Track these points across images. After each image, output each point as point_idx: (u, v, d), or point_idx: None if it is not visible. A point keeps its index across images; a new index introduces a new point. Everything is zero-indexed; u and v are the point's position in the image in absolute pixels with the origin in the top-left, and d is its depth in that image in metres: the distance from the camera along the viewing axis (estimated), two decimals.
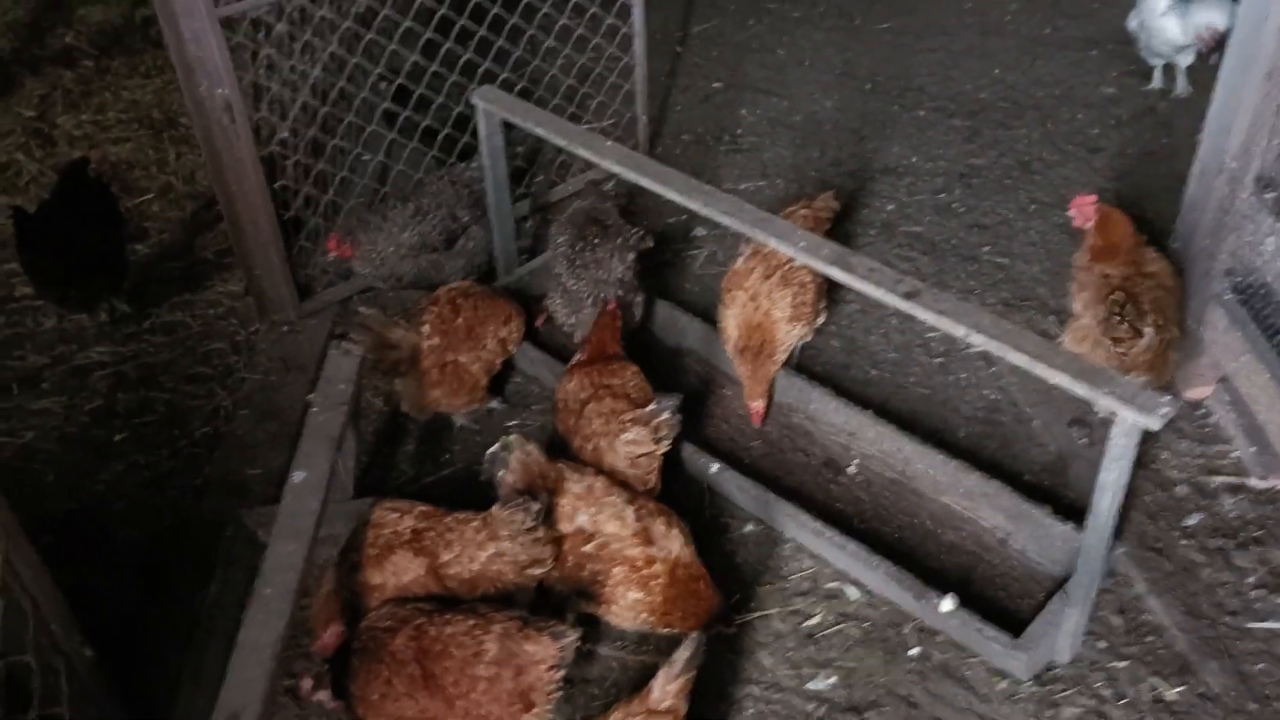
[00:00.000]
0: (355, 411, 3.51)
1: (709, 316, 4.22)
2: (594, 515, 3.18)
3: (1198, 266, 3.96)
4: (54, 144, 5.69)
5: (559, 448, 3.65)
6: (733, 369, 4.00)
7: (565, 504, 3.20)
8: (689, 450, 3.73)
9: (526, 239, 4.91)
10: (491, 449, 3.28)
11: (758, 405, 3.89)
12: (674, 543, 3.19)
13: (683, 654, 2.73)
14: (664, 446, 3.45)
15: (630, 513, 3.18)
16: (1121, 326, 3.54)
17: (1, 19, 6.79)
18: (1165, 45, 5.35)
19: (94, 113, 5.91)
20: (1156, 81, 5.60)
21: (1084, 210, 3.83)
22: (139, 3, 6.72)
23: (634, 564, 3.14)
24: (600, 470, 3.44)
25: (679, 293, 4.62)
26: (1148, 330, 3.54)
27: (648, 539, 3.16)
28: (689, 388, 4.11)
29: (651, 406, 3.46)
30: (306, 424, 3.23)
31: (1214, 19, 5.12)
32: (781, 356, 3.90)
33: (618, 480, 3.37)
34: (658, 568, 3.14)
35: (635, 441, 3.41)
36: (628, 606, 3.17)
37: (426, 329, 3.86)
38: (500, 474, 3.22)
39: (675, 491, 3.61)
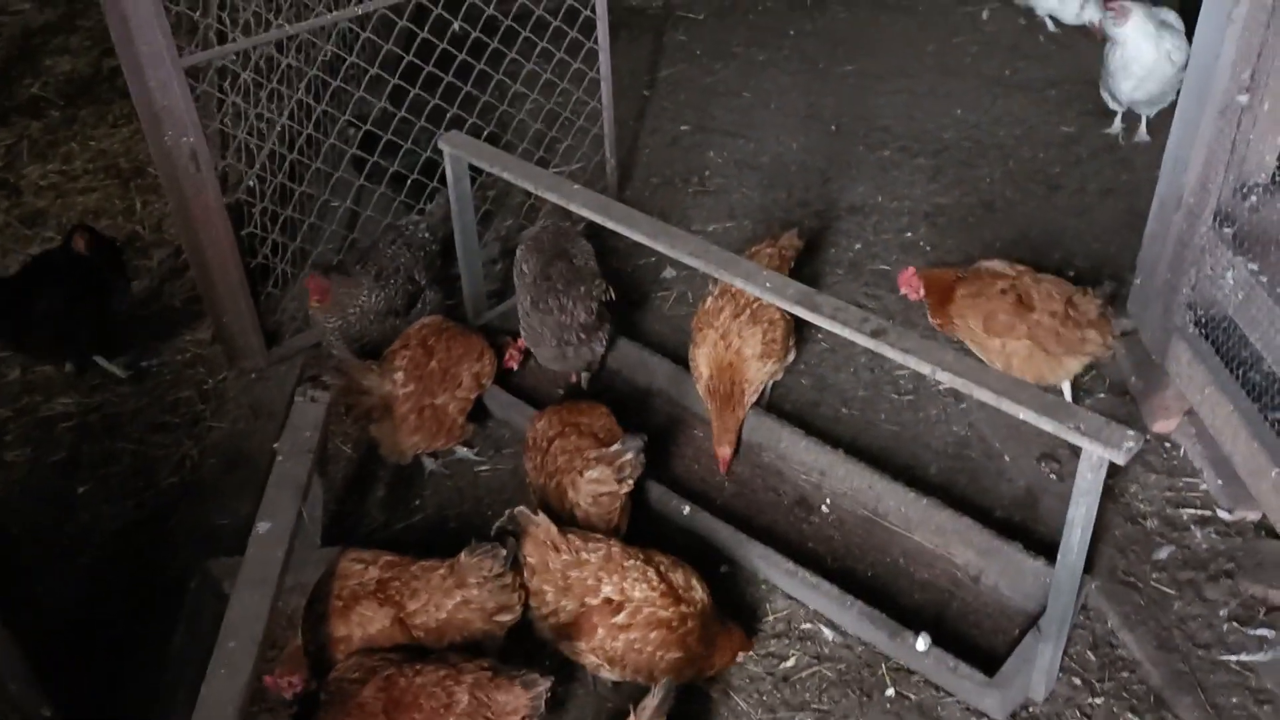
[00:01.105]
0: (322, 459, 3.48)
1: (679, 357, 4.22)
2: (619, 583, 3.08)
3: (1159, 301, 4.02)
4: (20, 194, 5.65)
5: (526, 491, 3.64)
6: (703, 409, 4.00)
7: (587, 575, 3.08)
8: (659, 491, 3.71)
9: (495, 282, 4.91)
10: (498, 523, 3.20)
11: (724, 452, 3.88)
12: (697, 590, 3.13)
13: (651, 701, 2.70)
14: (626, 486, 3.44)
15: (653, 572, 3.09)
16: (1108, 310, 3.88)
17: None
18: (1111, 77, 5.45)
19: (61, 162, 5.89)
20: (1116, 126, 5.68)
21: (911, 283, 4.07)
22: (106, 53, 6.71)
23: (670, 625, 3.05)
24: (562, 507, 3.43)
25: (649, 334, 4.63)
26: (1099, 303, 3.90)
27: (676, 596, 3.08)
28: (659, 428, 4.11)
29: (616, 446, 3.45)
30: (272, 472, 3.19)
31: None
32: (750, 399, 3.90)
33: (589, 523, 3.36)
34: (691, 623, 3.09)
35: (598, 480, 3.39)
36: (669, 668, 3.07)
37: (400, 376, 3.83)
38: (509, 545, 3.13)
39: (646, 534, 3.59)
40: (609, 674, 3.14)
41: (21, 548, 3.82)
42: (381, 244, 4.40)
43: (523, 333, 4.15)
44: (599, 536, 3.19)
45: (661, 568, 3.11)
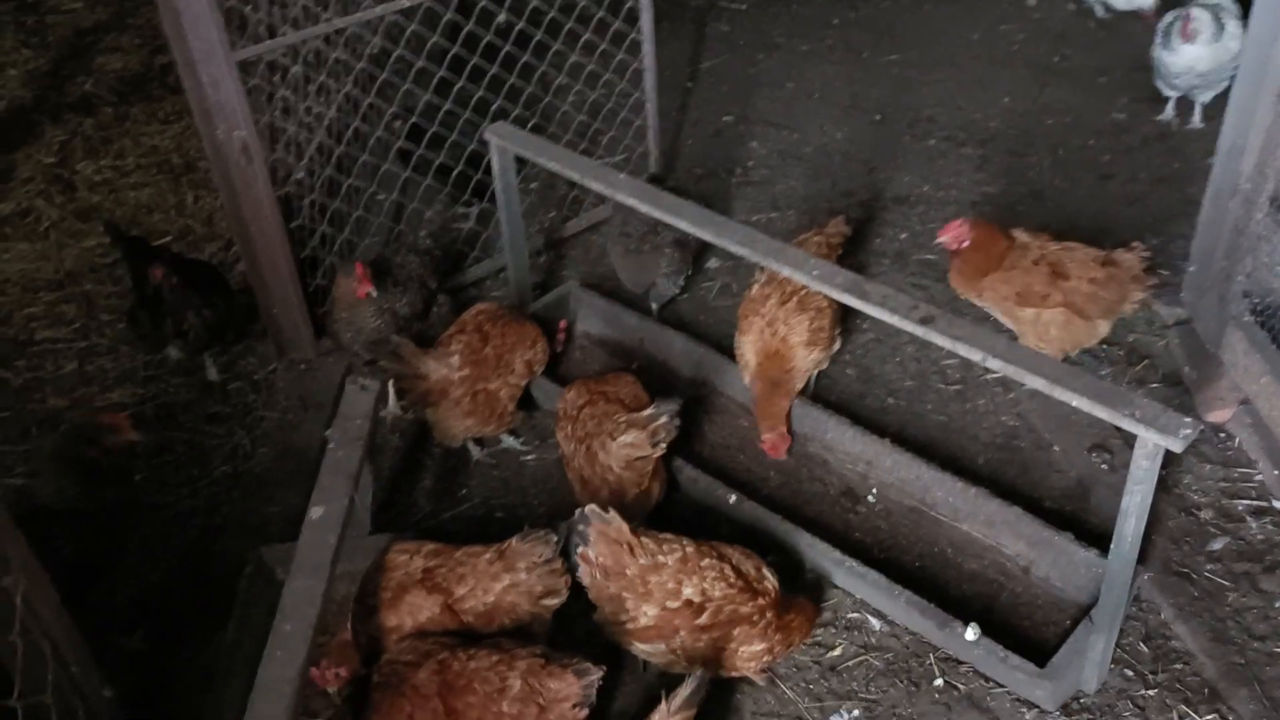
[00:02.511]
0: (372, 447, 3.51)
1: (724, 347, 4.22)
2: (699, 584, 3.03)
3: (1214, 289, 3.95)
4: (74, 189, 5.76)
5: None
6: (748, 398, 3.99)
7: (666, 579, 3.03)
8: (706, 481, 3.71)
9: (540, 274, 4.94)
10: (567, 522, 3.16)
11: (770, 438, 3.85)
12: (769, 579, 3.12)
13: (683, 691, 2.70)
14: (660, 450, 3.47)
15: (729, 569, 3.06)
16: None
17: (23, 68, 6.91)
18: (1172, 75, 5.35)
19: (113, 159, 6.00)
20: (1169, 113, 5.58)
21: (958, 233, 3.91)
22: (158, 50, 6.82)
23: (751, 620, 3.04)
24: (593, 471, 3.47)
25: (694, 324, 4.63)
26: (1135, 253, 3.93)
27: (752, 590, 3.06)
28: (704, 418, 4.12)
29: (650, 410, 3.48)
30: (324, 460, 3.23)
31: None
32: (797, 385, 3.89)
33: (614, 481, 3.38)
34: (770, 614, 3.07)
35: (633, 445, 3.42)
36: (749, 659, 3.07)
37: (456, 360, 3.86)
38: (579, 549, 3.07)
39: (693, 523, 3.60)
40: (683, 669, 3.09)
41: (79, 535, 3.89)
42: (387, 253, 4.46)
43: (614, 260, 4.53)
44: (671, 536, 3.13)
45: (735, 561, 3.08)
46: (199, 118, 3.97)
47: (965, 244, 3.91)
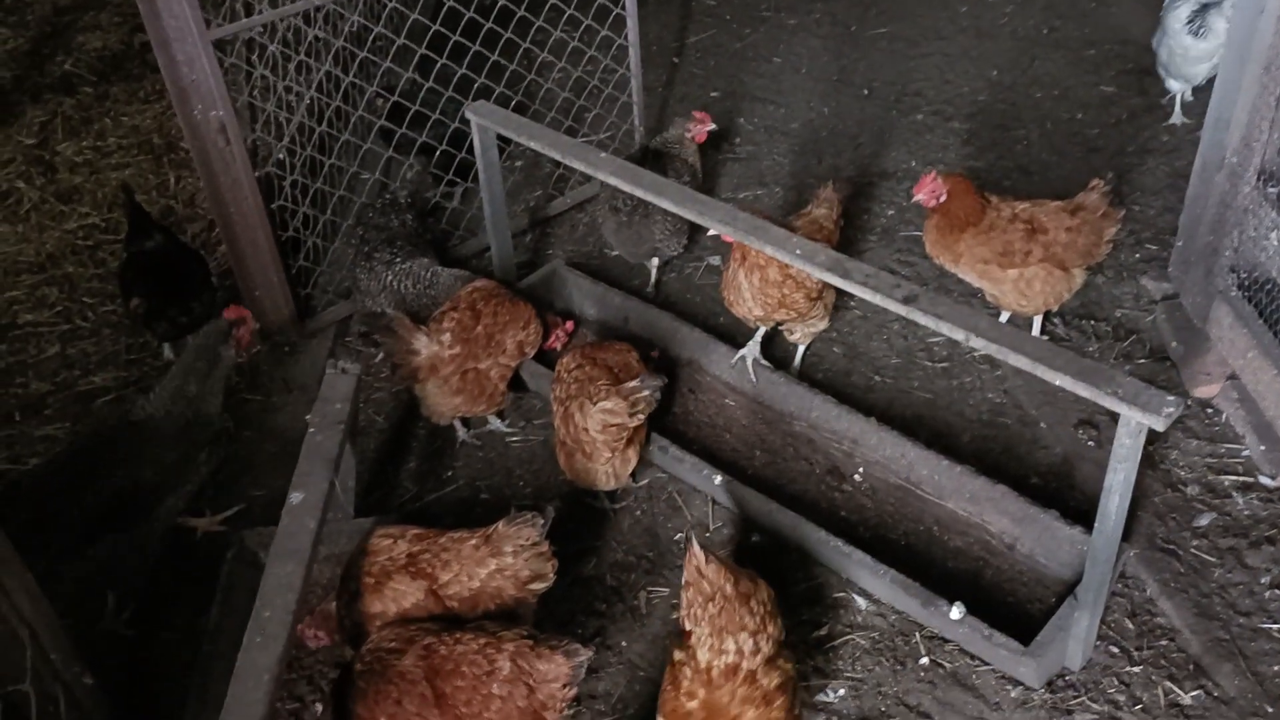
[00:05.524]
0: (353, 430, 3.49)
1: (710, 326, 4.20)
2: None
3: (1201, 263, 3.93)
4: (55, 170, 5.70)
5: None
6: (732, 377, 3.97)
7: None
8: (692, 461, 3.70)
9: (525, 253, 4.90)
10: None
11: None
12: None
13: None
14: (636, 420, 3.48)
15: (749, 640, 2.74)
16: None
17: (1, 48, 6.82)
18: (1187, 64, 5.15)
19: (94, 139, 5.93)
20: (1176, 117, 5.34)
21: (933, 189, 3.90)
22: (138, 28, 6.72)
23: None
24: (568, 431, 3.52)
25: (680, 304, 4.61)
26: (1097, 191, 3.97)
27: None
28: (690, 398, 4.10)
29: (634, 383, 3.49)
30: (304, 444, 3.21)
31: None
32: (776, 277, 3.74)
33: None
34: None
35: (611, 410, 3.43)
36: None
37: (448, 338, 3.83)
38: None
39: (677, 502, 3.59)
40: None
41: (60, 521, 3.87)
42: (378, 219, 4.44)
43: (608, 234, 4.58)
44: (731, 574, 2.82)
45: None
46: (175, 98, 3.92)
47: (942, 198, 3.88)
